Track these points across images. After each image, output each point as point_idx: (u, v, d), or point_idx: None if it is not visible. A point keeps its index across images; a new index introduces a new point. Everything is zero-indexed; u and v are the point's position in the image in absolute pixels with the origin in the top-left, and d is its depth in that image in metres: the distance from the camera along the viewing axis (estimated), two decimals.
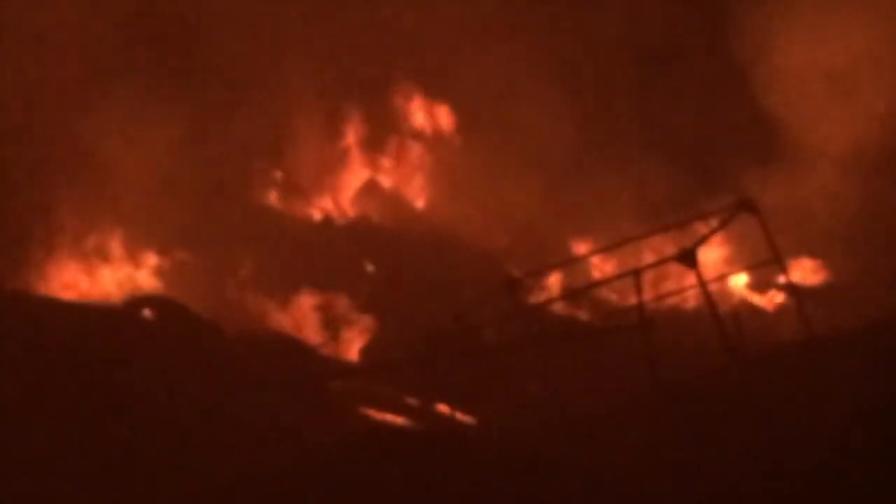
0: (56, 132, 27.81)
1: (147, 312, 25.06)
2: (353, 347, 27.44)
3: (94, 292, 27.21)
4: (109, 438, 21.50)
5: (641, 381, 23.49)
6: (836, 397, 20.58)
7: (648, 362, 23.61)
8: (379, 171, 31.19)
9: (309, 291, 28.20)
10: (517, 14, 31.28)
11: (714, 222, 26.53)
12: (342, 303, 28.12)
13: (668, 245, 28.50)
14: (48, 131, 27.84)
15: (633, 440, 21.01)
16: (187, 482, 20.79)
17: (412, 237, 29.85)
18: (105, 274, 27.65)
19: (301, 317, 27.92)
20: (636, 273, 24.81)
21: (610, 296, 29.01)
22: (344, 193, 30.80)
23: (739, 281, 29.11)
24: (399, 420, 24.22)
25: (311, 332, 27.58)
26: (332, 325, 27.74)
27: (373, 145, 31.29)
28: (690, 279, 25.91)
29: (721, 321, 24.42)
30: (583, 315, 28.47)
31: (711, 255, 28.60)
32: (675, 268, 26.40)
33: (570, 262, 29.01)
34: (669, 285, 27.76)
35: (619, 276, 26.77)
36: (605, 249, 28.75)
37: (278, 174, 30.33)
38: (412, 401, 24.95)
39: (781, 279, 27.25)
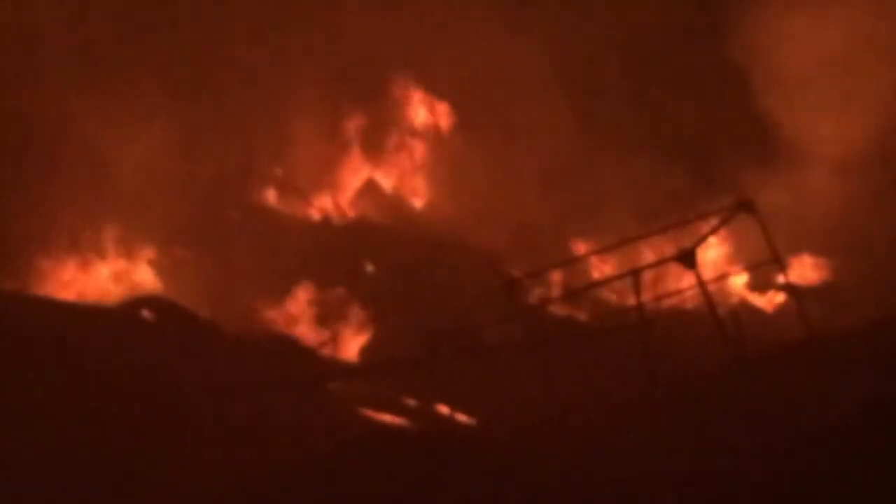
0: (55, 133, 27.79)
1: (146, 313, 25.05)
2: (352, 348, 27.42)
3: (94, 293, 27.20)
4: (108, 438, 21.48)
5: (641, 381, 23.49)
6: (836, 397, 20.58)
7: (648, 362, 23.61)
8: (378, 172, 31.17)
9: (308, 292, 28.17)
10: (517, 15, 31.27)
11: (713, 222, 26.54)
12: (341, 303, 28.09)
13: (667, 245, 28.49)
14: (48, 132, 27.82)
15: (632, 440, 20.99)
16: (187, 482, 20.78)
17: (412, 238, 29.83)
18: (104, 274, 27.64)
19: (300, 317, 27.90)
20: (636, 273, 24.81)
21: (610, 296, 28.99)
22: (343, 193, 30.78)
23: (739, 281, 29.10)
24: (398, 421, 24.20)
25: (311, 333, 27.56)
26: (332, 325, 27.72)
27: (372, 146, 31.27)
28: (690, 279, 25.91)
29: (720, 321, 24.42)
30: (582, 315, 28.46)
31: (711, 255, 28.58)
32: (674, 268, 26.41)
33: (569, 263, 28.98)
34: (669, 285, 27.75)
35: (619, 277, 26.77)
36: (604, 250, 28.73)
37: (278, 175, 30.30)
38: (411, 401, 24.93)
39: (781, 279, 27.22)
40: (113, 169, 27.81)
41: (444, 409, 24.87)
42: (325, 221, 30.29)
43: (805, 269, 30.07)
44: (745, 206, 25.47)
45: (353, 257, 29.24)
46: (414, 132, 31.61)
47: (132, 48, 28.68)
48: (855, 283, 28.95)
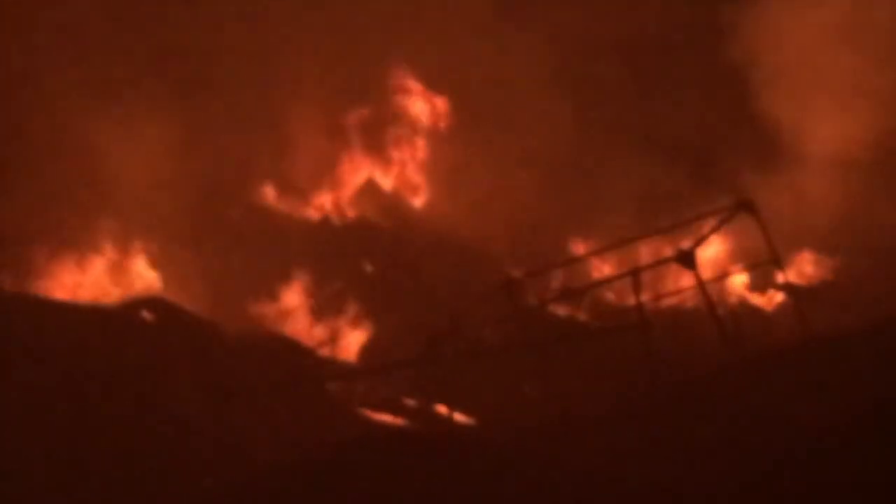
0: (54, 132, 27.81)
1: (146, 313, 25.07)
2: (351, 348, 27.42)
3: (93, 293, 27.21)
4: (108, 438, 21.49)
5: (641, 380, 23.49)
6: (835, 396, 20.59)
7: (648, 362, 23.62)
8: (378, 172, 31.16)
9: (307, 292, 28.17)
10: (517, 15, 31.26)
11: (713, 223, 26.56)
12: (340, 304, 28.10)
13: (667, 245, 28.49)
14: (48, 135, 27.84)
15: (632, 439, 21.00)
16: (186, 482, 20.80)
17: (411, 238, 29.83)
18: (104, 275, 27.65)
19: (299, 318, 27.91)
20: (635, 273, 24.84)
21: (609, 296, 28.98)
22: (342, 194, 30.77)
23: (738, 281, 29.10)
24: (397, 421, 24.21)
25: (310, 333, 27.57)
26: (331, 325, 27.72)
27: (371, 146, 31.26)
28: (690, 279, 25.93)
29: (720, 321, 24.46)
30: (582, 315, 28.45)
31: (710, 255, 28.58)
32: (674, 268, 26.42)
33: (569, 263, 28.97)
34: (668, 285, 27.76)
35: (619, 277, 26.77)
36: (604, 250, 28.73)
37: (277, 174, 30.30)
38: (410, 401, 24.93)
39: (780, 279, 27.23)
40: (112, 168, 27.81)
41: (442, 409, 24.88)
42: (325, 221, 30.28)
43: (804, 269, 30.06)
44: (745, 206, 25.50)
45: (352, 257, 29.23)
46: (414, 132, 31.61)
47: (130, 46, 28.67)
48: (854, 283, 28.94)
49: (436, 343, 25.40)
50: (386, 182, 31.10)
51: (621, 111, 32.01)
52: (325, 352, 26.62)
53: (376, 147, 31.20)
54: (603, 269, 29.63)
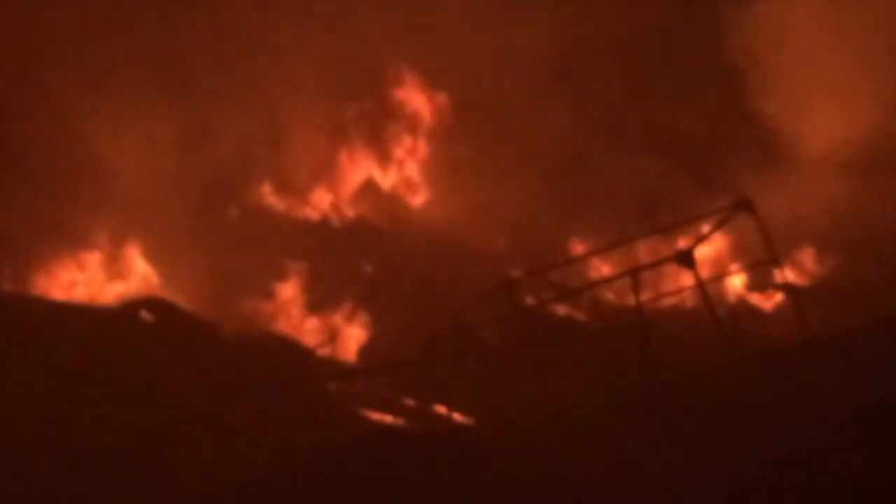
0: (52, 134, 27.78)
1: (144, 314, 25.05)
2: (350, 348, 27.40)
3: (91, 293, 27.20)
4: (107, 439, 21.48)
5: (640, 381, 23.49)
6: (834, 396, 20.61)
7: (647, 362, 23.62)
8: (377, 172, 31.15)
9: (306, 292, 28.17)
10: (517, 14, 31.25)
11: (712, 222, 26.57)
12: (340, 303, 28.08)
13: (666, 245, 28.49)
14: (45, 134, 27.81)
15: (631, 440, 21.00)
16: (186, 483, 20.79)
17: (410, 237, 29.81)
18: (102, 275, 27.63)
19: (298, 318, 27.90)
20: (634, 273, 24.83)
21: (608, 296, 28.97)
22: (341, 194, 30.76)
23: (737, 281, 29.10)
24: (397, 421, 24.19)
25: (309, 333, 27.56)
26: (330, 325, 27.71)
27: (370, 146, 31.25)
28: (689, 279, 25.92)
29: (719, 321, 24.45)
30: (581, 315, 28.43)
31: (710, 254, 28.58)
32: (673, 268, 26.41)
33: (568, 263, 28.96)
34: (668, 285, 27.76)
35: (618, 277, 26.77)
36: (603, 250, 28.72)
37: (276, 175, 30.29)
38: (410, 402, 24.92)
39: (779, 279, 27.22)
40: (109, 167, 27.78)
41: (442, 410, 24.86)
42: (324, 220, 30.27)
43: (804, 269, 30.07)
44: (744, 206, 25.50)
45: (351, 258, 29.21)
46: (413, 131, 31.60)
47: (128, 45, 28.65)
48: (853, 283, 28.94)
49: (435, 343, 25.38)
50: (385, 181, 31.09)
51: (620, 111, 32.02)
52: (324, 352, 26.61)
53: (376, 146, 31.19)
54: (602, 268, 29.63)
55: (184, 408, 22.40)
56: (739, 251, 28.80)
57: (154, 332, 24.61)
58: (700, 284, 24.84)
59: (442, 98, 31.52)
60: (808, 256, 30.15)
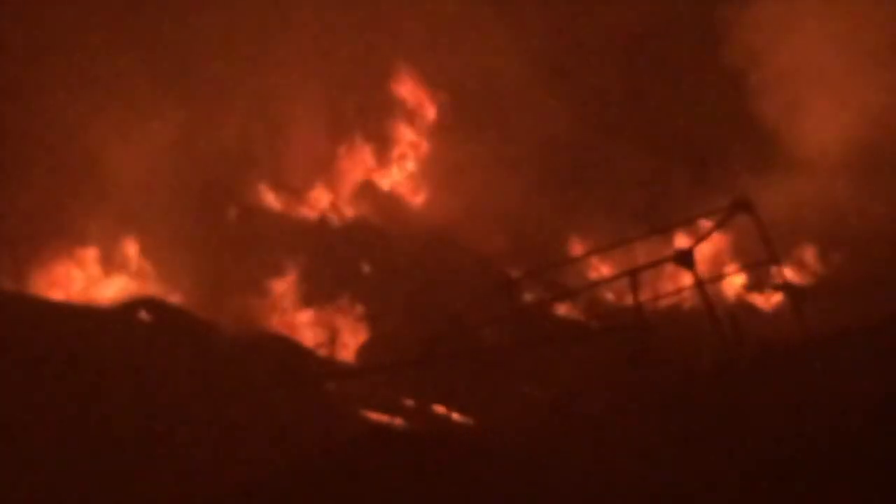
0: (50, 134, 27.77)
1: (143, 314, 25.05)
2: (349, 348, 27.40)
3: (91, 294, 27.19)
4: (106, 439, 21.48)
5: (639, 380, 23.49)
6: (834, 396, 20.62)
7: (646, 362, 23.63)
8: (376, 173, 31.15)
9: (306, 293, 28.17)
10: (516, 14, 31.25)
11: (711, 222, 26.59)
12: (339, 304, 28.08)
13: (665, 245, 28.51)
14: (43, 134, 27.80)
15: (630, 440, 21.02)
16: (185, 482, 20.78)
17: (409, 237, 29.81)
18: (101, 275, 27.62)
19: (297, 317, 27.89)
20: (634, 273, 24.84)
21: (608, 296, 28.97)
22: (340, 194, 30.76)
23: (737, 281, 29.11)
24: (396, 421, 24.18)
25: (308, 333, 27.55)
26: (329, 325, 27.70)
27: (369, 146, 31.25)
28: (688, 279, 25.94)
29: (718, 321, 24.47)
30: (580, 316, 28.44)
31: (709, 254, 28.60)
32: (672, 268, 26.43)
33: (567, 263, 28.97)
34: (667, 285, 27.76)
35: (617, 277, 26.78)
36: (602, 250, 28.73)
37: (274, 175, 30.28)
38: (409, 401, 24.92)
39: (778, 279, 27.23)
40: (108, 166, 27.77)
41: (441, 409, 24.86)
42: (323, 221, 30.26)
43: (803, 269, 30.08)
44: (743, 206, 25.52)
45: (350, 258, 29.21)
46: (413, 131, 31.59)
47: (131, 50, 28.65)
48: (852, 283, 28.94)
49: (434, 343, 25.39)
50: (384, 181, 31.09)
51: (619, 111, 32.01)
52: (323, 352, 26.61)
53: (375, 146, 31.19)
54: (601, 269, 29.64)
55: (183, 408, 22.39)
56: (738, 251, 28.81)
57: (152, 332, 24.60)
58: (699, 284, 24.87)
59: (442, 98, 31.52)
60: (807, 256, 30.17)
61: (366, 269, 29.14)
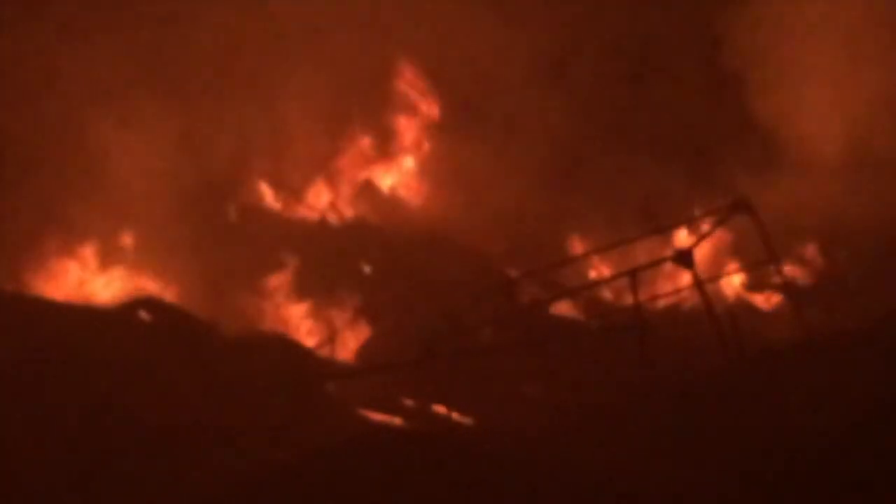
0: (49, 133, 27.77)
1: (143, 314, 25.03)
2: (349, 348, 27.40)
3: (89, 294, 27.18)
4: (105, 440, 21.47)
5: (638, 381, 23.50)
6: (833, 396, 20.63)
7: (645, 362, 23.64)
8: (375, 173, 31.15)
9: (305, 293, 28.17)
10: (516, 15, 31.26)
11: (710, 222, 26.61)
12: (339, 304, 28.09)
13: (665, 245, 28.54)
14: (44, 134, 27.80)
15: (630, 440, 21.03)
16: (184, 483, 20.77)
17: (409, 237, 29.82)
18: (100, 274, 27.62)
19: (297, 318, 27.90)
20: (633, 273, 24.84)
21: (607, 296, 29.00)
22: (340, 194, 30.76)
23: (736, 281, 29.13)
24: (396, 421, 24.18)
25: (308, 333, 27.56)
26: (329, 326, 27.70)
27: (370, 145, 31.25)
28: (687, 279, 25.96)
29: (718, 321, 24.46)
30: (580, 315, 28.45)
31: (708, 254, 28.62)
32: (672, 268, 26.45)
33: (566, 263, 28.98)
34: (666, 285, 27.78)
35: (616, 277, 26.79)
36: (601, 250, 28.75)
37: (274, 174, 30.29)
38: (409, 402, 24.91)
39: (777, 279, 27.25)
40: (106, 166, 27.77)
41: (441, 410, 24.86)
42: (322, 223, 30.27)
43: (802, 269, 30.10)
44: (742, 206, 25.52)
45: (350, 258, 29.21)
46: (413, 131, 31.60)
47: (129, 50, 28.64)
48: (852, 283, 28.99)
49: (434, 343, 25.39)
50: (383, 182, 31.10)
51: (619, 111, 32.03)
52: (323, 352, 26.60)
53: (374, 146, 31.19)
54: (601, 268, 29.66)
55: (182, 408, 22.37)
56: (738, 251, 28.84)
57: (152, 332, 24.59)
58: (699, 284, 24.86)
59: (441, 98, 31.53)
60: (806, 256, 30.19)
61: (365, 268, 29.15)
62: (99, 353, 23.12)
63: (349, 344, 27.42)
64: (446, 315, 26.19)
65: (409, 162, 31.30)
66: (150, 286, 27.41)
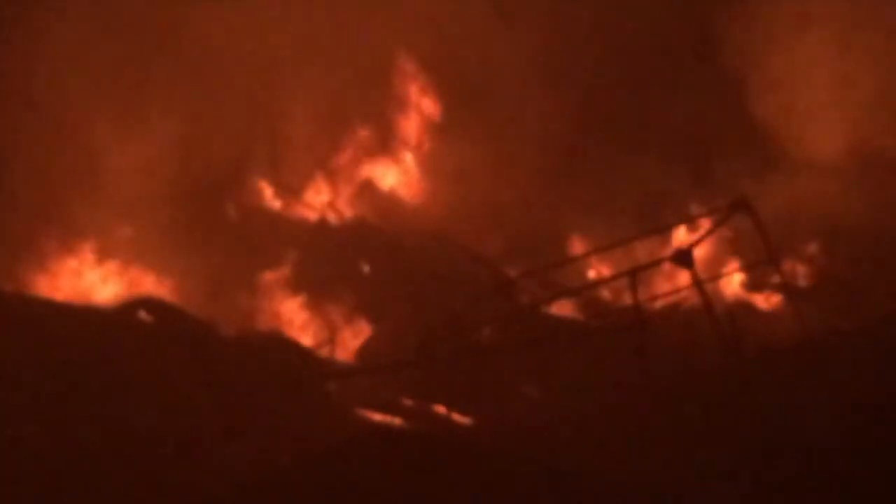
0: (48, 132, 27.75)
1: (143, 314, 25.01)
2: (349, 348, 27.39)
3: (90, 294, 27.17)
4: (105, 440, 21.46)
5: (638, 381, 23.49)
6: (833, 397, 20.62)
7: (645, 363, 23.63)
8: (375, 173, 31.15)
9: (305, 292, 28.16)
10: (516, 14, 31.25)
11: (710, 222, 26.62)
12: (338, 303, 28.07)
13: (664, 245, 28.52)
14: (40, 132, 27.77)
15: (629, 441, 21.02)
16: (184, 483, 20.77)
17: (409, 237, 29.81)
18: (100, 275, 27.61)
19: (297, 318, 27.89)
20: (632, 273, 24.84)
21: (606, 296, 28.99)
22: (339, 195, 30.75)
23: (735, 280, 29.13)
24: (395, 421, 24.18)
25: (308, 333, 27.55)
26: (329, 325, 27.70)
27: (369, 145, 31.24)
28: (687, 279, 25.95)
29: (717, 321, 24.47)
30: (579, 315, 28.45)
31: (708, 254, 28.61)
32: (671, 268, 26.44)
33: (566, 263, 28.98)
34: (666, 285, 27.77)
35: (616, 277, 26.79)
36: (601, 250, 28.74)
37: (273, 174, 30.28)
38: (409, 402, 24.91)
39: (777, 279, 27.26)
40: (104, 165, 27.75)
41: (441, 410, 24.85)
42: (322, 221, 30.25)
43: (801, 269, 30.09)
44: (742, 206, 25.53)
45: (349, 258, 29.20)
46: (412, 131, 31.59)
47: (128, 50, 28.62)
48: (851, 283, 28.98)
49: (434, 343, 25.39)
50: (383, 182, 31.09)
51: (619, 111, 32.02)
52: (323, 352, 26.59)
53: (374, 145, 31.19)
54: (600, 268, 29.65)
55: (182, 408, 22.37)
56: (738, 251, 28.83)
57: (152, 333, 24.58)
58: (699, 284, 24.86)
59: (441, 97, 31.52)
60: (806, 256, 30.18)
61: (365, 267, 29.13)
62: (99, 353, 23.11)
63: (349, 344, 27.41)
64: (446, 314, 26.18)
65: (409, 161, 31.29)
66: (150, 285, 27.40)
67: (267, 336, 26.43)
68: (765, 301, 29.09)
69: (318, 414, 23.40)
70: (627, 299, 25.53)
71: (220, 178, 29.11)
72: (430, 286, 27.99)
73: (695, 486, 19.15)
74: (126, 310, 25.24)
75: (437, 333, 25.72)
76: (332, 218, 30.41)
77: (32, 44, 28.01)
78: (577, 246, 30.57)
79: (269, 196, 30.23)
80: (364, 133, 31.21)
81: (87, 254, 27.67)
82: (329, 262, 28.90)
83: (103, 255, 27.72)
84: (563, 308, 28.33)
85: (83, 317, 24.76)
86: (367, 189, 30.94)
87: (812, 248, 30.16)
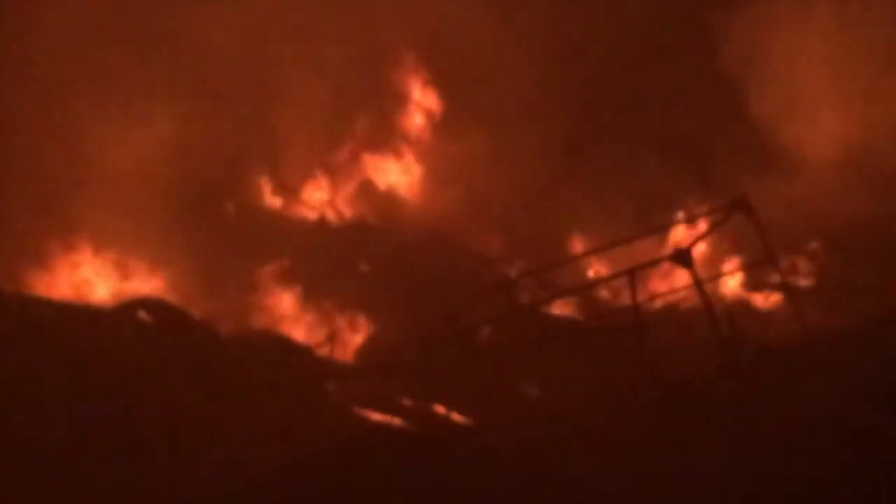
0: (47, 132, 27.75)
1: (142, 314, 25.01)
2: (348, 348, 27.40)
3: (90, 294, 27.17)
4: (105, 440, 21.46)
5: (638, 381, 23.49)
6: (833, 396, 20.64)
7: (645, 362, 23.63)
8: (374, 172, 31.15)
9: (304, 292, 28.15)
10: (516, 14, 31.25)
11: (709, 222, 26.62)
12: (338, 303, 28.08)
13: (663, 245, 28.53)
14: (39, 132, 27.77)
15: (629, 440, 21.03)
16: (183, 483, 20.77)
17: (408, 237, 29.82)
18: (100, 276, 27.61)
19: (296, 318, 27.89)
20: (632, 273, 24.83)
21: (606, 296, 29.00)
22: (339, 193, 30.76)
23: (735, 280, 29.13)
24: (395, 421, 24.17)
25: (307, 333, 27.55)
26: (328, 325, 27.70)
27: (369, 144, 31.25)
28: (686, 279, 25.93)
29: (717, 321, 24.44)
30: (578, 315, 28.45)
31: (707, 254, 28.63)
32: (670, 267, 26.43)
33: (565, 263, 28.99)
34: (665, 285, 27.78)
35: (615, 276, 26.77)
36: (600, 249, 28.74)
37: (273, 174, 30.28)
38: (408, 402, 24.91)
39: (776, 278, 27.25)
40: (104, 165, 27.75)
41: (440, 410, 24.85)
42: (321, 222, 30.26)
43: (801, 269, 30.10)
44: (741, 205, 25.51)
45: (348, 258, 29.20)
46: (412, 131, 31.59)
47: (128, 50, 28.62)
48: (851, 283, 28.98)
49: (433, 343, 25.38)
50: (382, 182, 31.09)
51: (618, 111, 32.03)
52: (322, 352, 26.58)
53: (374, 145, 31.19)
54: (599, 268, 29.65)
55: (181, 408, 22.36)
56: (737, 251, 28.84)
57: (152, 333, 24.58)
58: (698, 284, 24.83)
59: (441, 97, 31.52)
60: (805, 256, 30.19)
61: (364, 267, 29.14)
62: (98, 353, 23.11)
63: (349, 344, 27.42)
64: (446, 314, 26.18)
65: (408, 160, 31.29)
66: (149, 285, 27.41)
67: (266, 335, 26.44)
68: (764, 300, 29.09)
69: (318, 414, 23.39)
70: (627, 299, 25.50)
71: (220, 176, 29.12)
72: (430, 286, 28.00)
73: (695, 486, 19.16)
74: (125, 310, 25.25)
75: (437, 333, 25.71)
76: (331, 217, 30.41)
77: (32, 44, 28.02)
78: (577, 246, 30.58)
79: (269, 194, 30.24)
80: (364, 133, 31.23)
81: (87, 252, 27.68)
82: (328, 261, 28.90)
83: (102, 253, 27.73)
84: (563, 308, 28.34)
85: (83, 316, 24.77)
86: (367, 188, 30.94)
87: (811, 247, 30.18)
